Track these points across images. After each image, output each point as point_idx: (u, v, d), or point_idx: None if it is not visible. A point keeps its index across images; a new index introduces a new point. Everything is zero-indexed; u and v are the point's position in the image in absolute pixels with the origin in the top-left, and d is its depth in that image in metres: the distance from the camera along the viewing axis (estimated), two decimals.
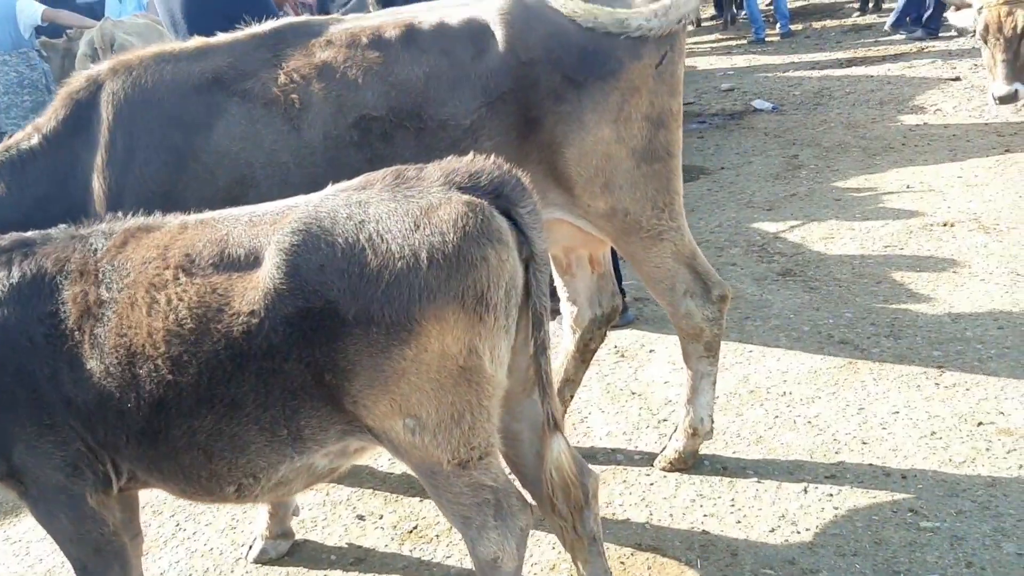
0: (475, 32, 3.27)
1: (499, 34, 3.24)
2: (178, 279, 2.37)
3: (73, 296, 2.44)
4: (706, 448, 3.98)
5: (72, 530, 2.64)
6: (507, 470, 2.70)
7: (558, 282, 3.99)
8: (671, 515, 3.66)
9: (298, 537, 3.77)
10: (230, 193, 3.17)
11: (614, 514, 3.70)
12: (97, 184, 3.21)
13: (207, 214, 2.57)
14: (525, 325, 2.51)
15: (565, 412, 4.16)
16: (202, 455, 2.43)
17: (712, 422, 3.84)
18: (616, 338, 5.16)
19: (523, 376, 2.63)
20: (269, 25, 3.38)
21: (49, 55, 8.76)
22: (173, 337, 2.33)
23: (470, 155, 2.48)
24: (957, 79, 9.70)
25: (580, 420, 4.42)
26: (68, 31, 8.59)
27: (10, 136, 3.40)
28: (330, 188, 2.49)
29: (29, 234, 2.64)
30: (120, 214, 2.67)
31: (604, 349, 5.00)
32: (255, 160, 3.18)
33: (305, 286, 2.27)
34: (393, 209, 2.32)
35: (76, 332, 2.42)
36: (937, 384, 4.28)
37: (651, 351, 5.02)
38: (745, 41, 13.91)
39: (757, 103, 9.86)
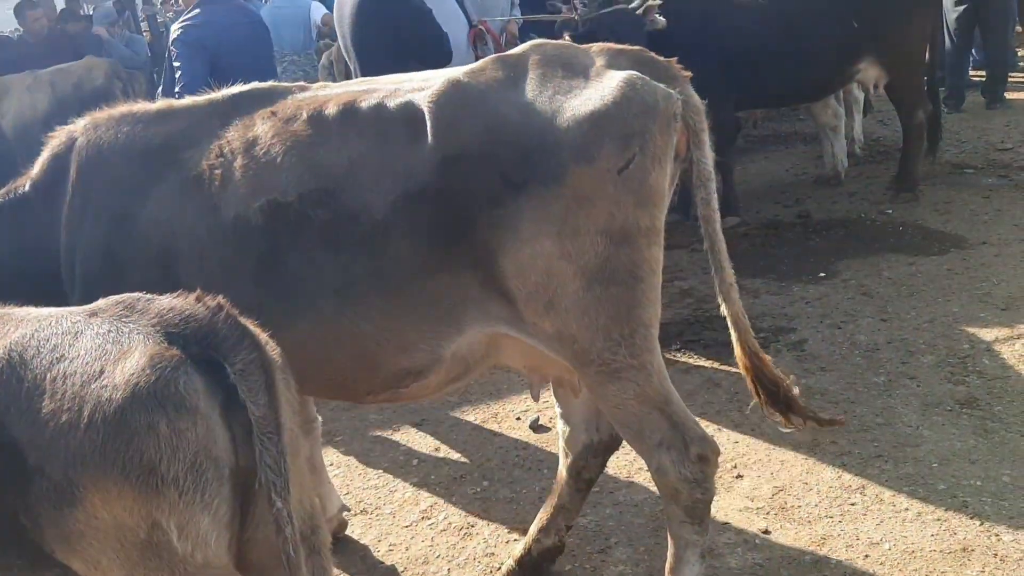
0: (410, 118, 2.87)
1: (429, 123, 2.81)
2: None
3: None
4: None
5: None
6: None
7: (554, 393, 3.44)
8: None
9: None
10: (161, 262, 3.07)
11: None
12: (62, 239, 3.27)
13: (3, 310, 2.46)
14: (262, 497, 2.12)
15: (561, 542, 3.61)
16: None
17: None
18: None
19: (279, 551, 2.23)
20: (232, 90, 3.21)
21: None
22: None
23: (196, 292, 2.13)
24: None
25: (600, 549, 3.82)
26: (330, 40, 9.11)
27: None
28: (81, 308, 2.26)
29: None
30: None
31: None
32: (180, 232, 3.05)
33: None
34: (95, 347, 2.05)
35: None
36: None
37: (739, 476, 4.22)
38: None
39: None
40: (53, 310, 2.29)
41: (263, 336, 2.13)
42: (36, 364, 2.08)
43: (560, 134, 2.71)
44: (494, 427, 5.00)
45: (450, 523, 4.15)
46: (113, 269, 3.11)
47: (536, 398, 3.40)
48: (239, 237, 2.97)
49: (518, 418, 5.05)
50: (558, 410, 3.46)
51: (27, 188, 3.42)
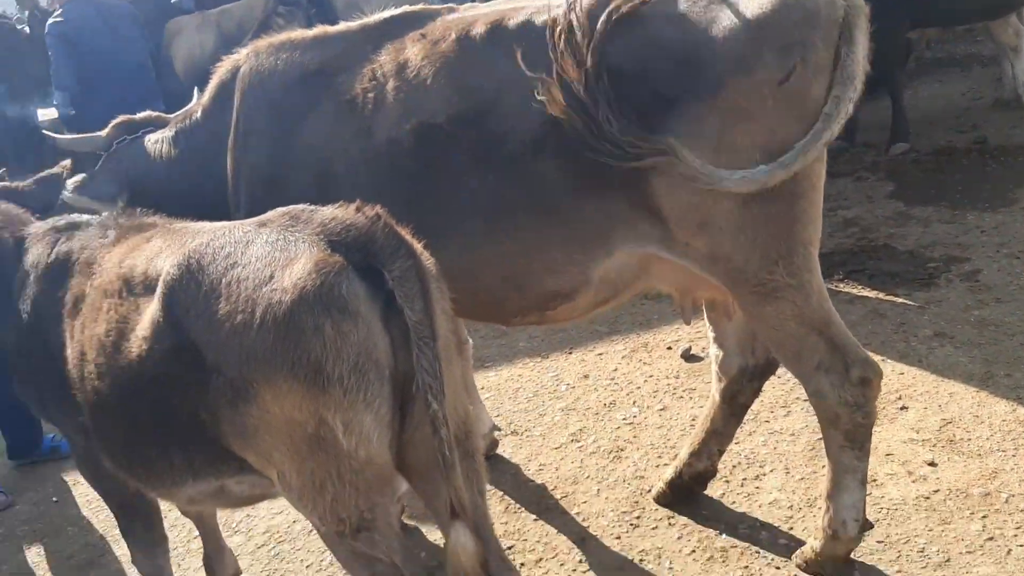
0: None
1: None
2: (120, 291, 2.46)
3: (73, 285, 2.68)
4: (871, 555, 3.17)
5: (97, 485, 2.96)
6: None
7: (707, 317, 3.38)
8: None
9: None
10: (318, 184, 3.15)
11: None
12: (228, 162, 3.43)
13: (177, 224, 2.62)
14: (420, 400, 2.18)
15: (713, 466, 3.57)
16: (126, 457, 2.55)
17: (860, 527, 3.02)
18: None
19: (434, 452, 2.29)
20: (383, 15, 3.24)
21: None
22: (101, 346, 2.44)
23: (356, 202, 2.18)
24: None
25: (755, 476, 3.76)
26: None
27: None
28: (251, 219, 2.37)
29: (81, 218, 2.93)
30: (139, 210, 2.83)
31: None
32: (335, 156, 3.13)
33: (177, 323, 2.23)
34: (264, 255, 2.15)
35: (66, 320, 2.65)
36: None
37: (903, 407, 4.05)
38: None
39: None
40: (226, 222, 2.42)
41: (419, 245, 2.17)
42: (212, 270, 2.20)
43: (715, 45, 2.61)
44: (644, 356, 4.98)
45: (599, 446, 4.18)
46: (274, 191, 3.22)
47: (688, 322, 3.34)
48: (391, 159, 3.02)
49: (669, 348, 5.01)
50: (711, 334, 3.39)
51: (198, 115, 3.61)
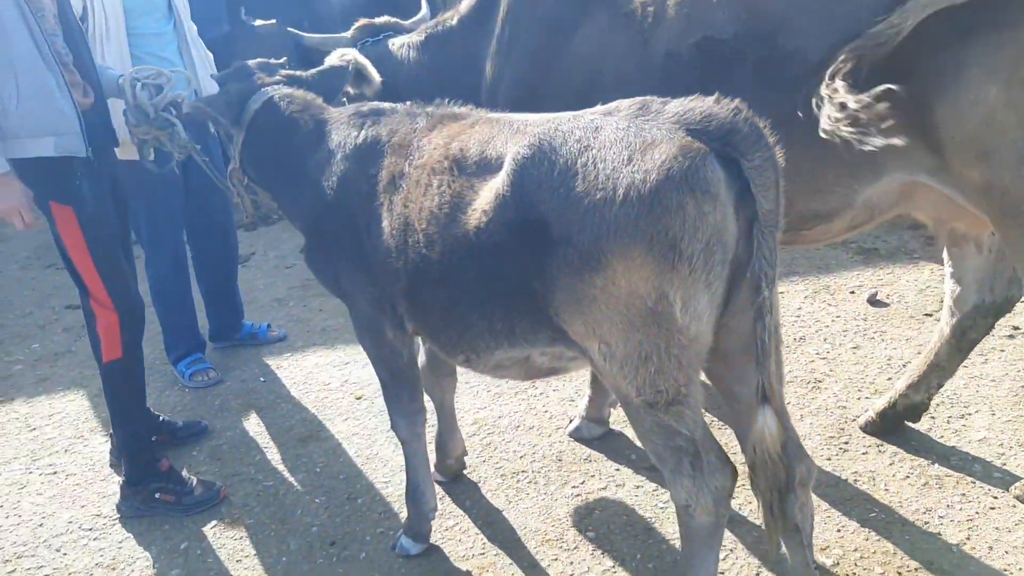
0: None
1: None
2: (450, 169, 2.67)
3: (388, 164, 2.90)
4: None
5: (375, 353, 3.21)
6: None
7: (945, 253, 3.48)
8: (991, 548, 3.12)
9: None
10: (582, 95, 3.28)
11: (927, 523, 3.27)
12: (488, 69, 3.61)
13: (496, 115, 2.80)
14: (747, 286, 2.35)
15: (929, 400, 3.69)
16: (442, 321, 2.77)
17: None
18: None
19: (747, 339, 2.46)
20: None
21: None
22: (432, 218, 2.66)
23: (714, 96, 2.33)
24: None
25: (960, 415, 3.87)
26: None
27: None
28: (592, 109, 2.54)
29: (383, 105, 3.15)
30: (446, 100, 3.03)
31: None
32: (605, 67, 3.28)
33: (524, 198, 2.41)
34: (618, 139, 2.32)
35: (382, 195, 2.88)
36: None
37: None
38: None
39: None
40: (565, 112, 2.59)
41: (774, 138, 2.32)
42: (565, 152, 2.38)
43: None
44: (827, 298, 5.09)
45: (795, 376, 4.32)
46: (536, 100, 3.39)
47: (941, 248, 3.44)
48: (668, 72, 3.16)
49: (852, 292, 5.10)
50: (948, 269, 3.48)
51: (454, 23, 3.79)
